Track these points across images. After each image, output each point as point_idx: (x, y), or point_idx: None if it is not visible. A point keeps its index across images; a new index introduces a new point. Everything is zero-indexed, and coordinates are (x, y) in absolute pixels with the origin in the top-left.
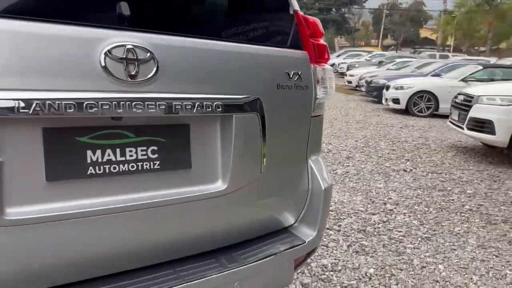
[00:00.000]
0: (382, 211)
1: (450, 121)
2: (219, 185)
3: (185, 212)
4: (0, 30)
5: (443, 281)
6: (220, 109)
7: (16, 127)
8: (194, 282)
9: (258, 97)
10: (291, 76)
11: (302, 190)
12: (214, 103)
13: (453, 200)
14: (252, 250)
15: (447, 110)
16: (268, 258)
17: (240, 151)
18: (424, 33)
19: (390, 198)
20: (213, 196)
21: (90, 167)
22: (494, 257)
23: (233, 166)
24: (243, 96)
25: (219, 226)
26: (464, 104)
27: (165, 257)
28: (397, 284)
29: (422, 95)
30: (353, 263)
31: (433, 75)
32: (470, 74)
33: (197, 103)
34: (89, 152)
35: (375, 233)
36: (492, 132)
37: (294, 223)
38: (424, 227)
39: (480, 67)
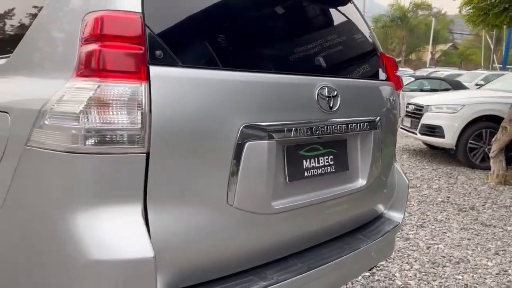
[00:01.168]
0: None
1: (402, 128)
2: (361, 182)
3: (343, 202)
4: (269, 81)
5: (447, 256)
6: (365, 127)
7: (273, 147)
8: (356, 251)
9: (380, 117)
10: (390, 102)
11: (393, 184)
12: (363, 123)
13: (426, 194)
14: (373, 230)
15: None
16: (385, 235)
17: (374, 157)
18: None
19: None
20: (358, 190)
21: (305, 171)
22: (476, 236)
23: (370, 168)
24: (375, 117)
25: (356, 212)
26: (416, 113)
27: (333, 235)
28: (415, 261)
29: None
30: None
31: None
32: (405, 85)
33: (353, 124)
34: (304, 161)
35: None
36: (442, 135)
37: (385, 210)
38: (414, 217)
39: (412, 79)
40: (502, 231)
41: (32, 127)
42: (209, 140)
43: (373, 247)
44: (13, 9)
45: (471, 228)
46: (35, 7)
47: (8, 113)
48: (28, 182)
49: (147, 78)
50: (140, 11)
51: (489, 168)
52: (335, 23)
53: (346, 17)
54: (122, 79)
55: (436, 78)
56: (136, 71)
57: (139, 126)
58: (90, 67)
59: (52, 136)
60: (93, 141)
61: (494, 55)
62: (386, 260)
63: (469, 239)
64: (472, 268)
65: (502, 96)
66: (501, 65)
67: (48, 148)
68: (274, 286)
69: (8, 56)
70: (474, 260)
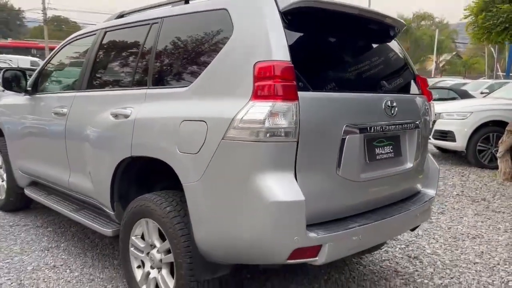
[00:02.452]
0: None
1: None
2: (409, 165)
3: (399, 178)
4: (358, 97)
5: (465, 233)
6: (411, 127)
7: (361, 139)
8: (408, 211)
9: (420, 120)
10: (425, 109)
11: (427, 168)
12: (410, 124)
13: (442, 189)
14: (416, 200)
15: None
16: (425, 203)
17: (417, 147)
18: None
19: None
20: (407, 170)
21: (377, 156)
22: (488, 219)
23: (414, 155)
24: (417, 120)
25: (406, 187)
26: None
27: (393, 200)
28: (440, 237)
29: None
30: None
31: None
32: None
33: (404, 124)
34: (376, 149)
35: None
36: (453, 140)
37: (422, 188)
38: (435, 207)
39: None
40: (510, 216)
41: (227, 129)
42: (327, 134)
43: (417, 210)
44: (193, 52)
45: (484, 214)
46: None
47: (205, 121)
48: (225, 160)
49: (297, 99)
50: (290, 60)
51: (496, 168)
52: (392, 58)
53: (396, 52)
54: (285, 100)
55: (444, 88)
56: (292, 96)
57: (294, 126)
58: (266, 94)
59: (243, 133)
60: (269, 135)
61: (497, 64)
62: (417, 234)
63: (482, 222)
64: (486, 241)
65: (506, 103)
66: (505, 73)
67: (241, 140)
68: (361, 227)
69: (188, 85)
70: (488, 236)
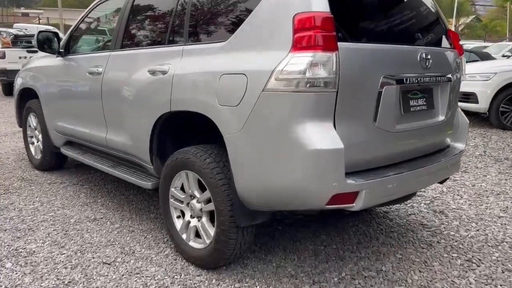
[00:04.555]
0: None
1: None
2: (441, 117)
3: (431, 130)
4: (395, 49)
5: (489, 190)
6: (444, 80)
7: (397, 90)
8: (439, 162)
9: (452, 73)
10: (457, 63)
11: (457, 122)
12: (443, 77)
13: (465, 150)
14: (447, 153)
15: None
16: (455, 156)
17: (448, 101)
18: None
19: None
20: (439, 123)
21: (411, 108)
22: (510, 177)
23: (446, 108)
24: (450, 73)
25: (437, 139)
26: None
27: (425, 152)
28: (464, 194)
29: None
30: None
31: None
32: None
33: (438, 77)
34: (410, 101)
35: None
36: (476, 101)
37: (452, 141)
38: None
39: None
40: None
41: (268, 80)
42: (365, 85)
43: (448, 162)
44: (229, 6)
45: (507, 173)
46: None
47: (245, 74)
48: (265, 111)
49: (337, 49)
50: (330, 11)
51: None
52: (425, 12)
53: (429, 6)
54: (325, 51)
55: (465, 51)
56: (332, 46)
57: (334, 76)
58: (306, 45)
59: (283, 84)
60: (309, 85)
61: None
62: (442, 191)
63: (506, 179)
64: (510, 198)
65: None
66: None
67: (281, 91)
68: (396, 175)
69: (226, 39)
70: None
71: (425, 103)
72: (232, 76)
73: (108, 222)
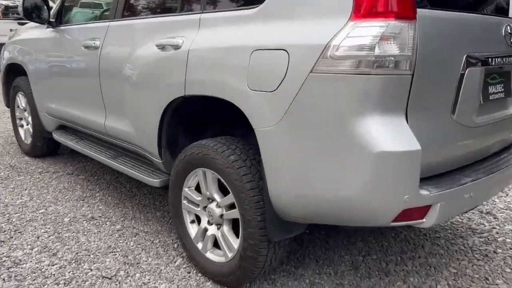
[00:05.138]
0: None
1: None
2: None
3: (504, 124)
4: (477, 19)
5: None
6: None
7: (480, 73)
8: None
9: None
10: None
11: None
12: None
13: None
14: None
15: None
16: None
17: None
18: None
19: None
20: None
21: (490, 95)
22: None
23: None
24: None
25: (505, 135)
26: None
27: (495, 149)
28: (510, 190)
29: None
30: None
31: None
32: None
33: None
34: (489, 87)
35: None
36: None
37: None
38: None
39: None
40: None
41: (318, 59)
42: (445, 66)
43: None
44: None
45: None
46: None
47: (286, 50)
48: (313, 99)
49: (415, 18)
50: None
51: None
52: None
53: None
54: (400, 19)
55: None
56: (410, 13)
57: (410, 53)
58: (374, 10)
59: (340, 64)
60: (377, 65)
61: None
62: None
63: None
64: None
65: None
66: None
67: (336, 73)
68: (473, 182)
69: (258, 4)
70: None
71: (503, 90)
72: (268, 52)
73: (107, 222)
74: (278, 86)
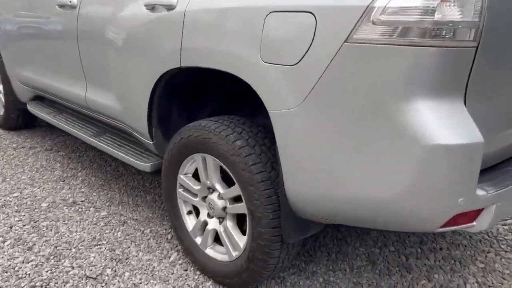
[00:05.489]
0: None
1: None
2: None
3: None
4: None
5: None
6: None
7: None
8: None
9: None
10: None
11: None
12: None
13: None
14: None
15: None
16: None
17: None
18: None
19: None
20: None
21: None
22: None
23: None
24: None
25: None
26: None
27: None
28: None
29: None
30: None
31: None
32: None
33: None
34: None
35: None
36: None
37: None
38: None
39: None
40: None
41: (356, 24)
42: None
43: None
44: None
45: None
46: None
47: (312, 13)
48: (348, 76)
49: None
50: None
51: None
52: None
53: None
54: None
55: None
56: None
57: (477, 20)
58: None
59: (385, 31)
60: (434, 34)
61: None
62: None
63: None
64: None
65: None
66: None
67: (380, 43)
68: None
69: None
70: None
71: None
72: (288, 15)
73: (91, 208)
74: (301, 59)
